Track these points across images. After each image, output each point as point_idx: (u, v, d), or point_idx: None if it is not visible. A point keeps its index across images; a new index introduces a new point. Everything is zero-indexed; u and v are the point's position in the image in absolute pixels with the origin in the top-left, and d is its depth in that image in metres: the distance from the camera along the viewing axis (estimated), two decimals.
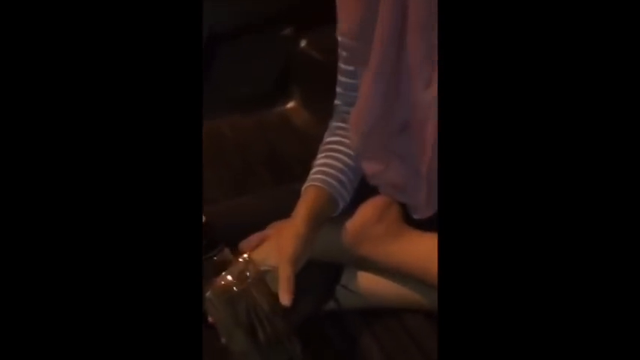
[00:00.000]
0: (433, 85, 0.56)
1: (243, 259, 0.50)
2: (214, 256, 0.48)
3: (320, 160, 0.63)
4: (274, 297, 0.50)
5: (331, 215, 0.60)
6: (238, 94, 0.93)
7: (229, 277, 0.48)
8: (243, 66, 0.90)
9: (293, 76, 1.02)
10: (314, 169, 0.62)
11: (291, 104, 0.98)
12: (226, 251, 0.50)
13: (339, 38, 0.63)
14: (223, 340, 0.51)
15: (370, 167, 0.62)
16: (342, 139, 0.64)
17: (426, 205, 0.59)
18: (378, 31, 0.57)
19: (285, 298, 0.49)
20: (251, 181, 0.65)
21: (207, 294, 0.47)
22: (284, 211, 0.58)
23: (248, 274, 0.50)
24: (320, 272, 0.60)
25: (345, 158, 0.62)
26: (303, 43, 1.04)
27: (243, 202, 0.67)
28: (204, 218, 0.46)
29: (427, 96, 0.56)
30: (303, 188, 0.61)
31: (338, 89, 0.66)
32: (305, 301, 0.56)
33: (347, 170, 0.62)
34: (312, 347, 0.55)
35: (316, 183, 0.59)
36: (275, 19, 1.01)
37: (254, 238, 0.57)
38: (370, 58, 0.59)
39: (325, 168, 0.61)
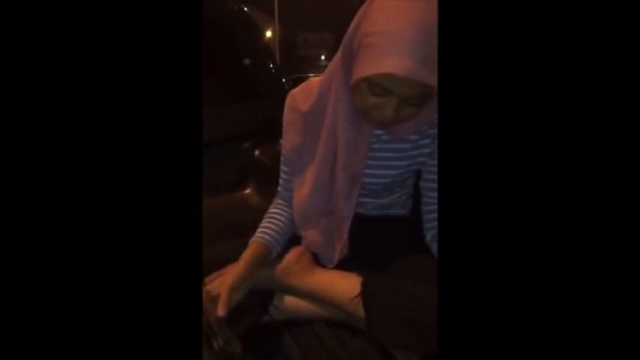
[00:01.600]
0: (352, 198, 0.68)
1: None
2: None
3: (264, 223, 0.78)
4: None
5: (268, 259, 0.73)
6: (212, 184, 1.10)
7: None
8: (217, 165, 1.12)
9: (249, 173, 1.23)
10: (259, 230, 0.77)
11: (247, 190, 1.19)
12: None
13: (282, 151, 0.79)
14: None
15: (303, 233, 0.76)
16: (280, 211, 0.80)
17: (331, 261, 0.73)
18: (316, 161, 0.70)
19: (220, 311, 0.58)
20: (217, 238, 0.79)
21: None
22: (238, 257, 0.70)
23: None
24: (258, 296, 0.72)
25: (280, 224, 0.77)
26: (257, 153, 1.26)
27: (211, 251, 0.69)
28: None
29: (346, 205, 0.69)
30: (249, 242, 0.74)
31: (280, 181, 0.82)
32: (248, 316, 0.69)
33: (281, 231, 0.76)
34: (253, 351, 0.64)
35: (257, 239, 0.74)
36: (239, 137, 1.26)
37: (214, 274, 0.69)
38: (308, 174, 0.72)
39: (266, 229, 0.76)
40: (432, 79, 0.52)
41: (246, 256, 0.70)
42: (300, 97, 0.73)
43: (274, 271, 0.73)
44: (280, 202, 0.83)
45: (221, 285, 0.64)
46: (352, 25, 0.59)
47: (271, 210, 0.82)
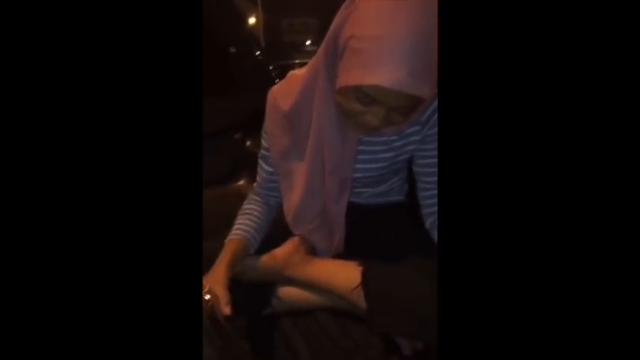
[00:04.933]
0: (342, 201, 0.68)
1: (205, 285, 0.60)
2: None
3: (239, 220, 0.76)
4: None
5: (244, 255, 0.71)
6: (206, 176, 1.14)
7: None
8: (211, 158, 1.16)
9: (242, 164, 1.25)
10: (234, 227, 0.74)
11: (241, 182, 1.22)
12: None
13: (265, 152, 0.76)
14: None
15: (297, 230, 0.75)
16: (255, 207, 0.79)
17: (329, 252, 0.73)
18: (305, 166, 0.67)
19: (226, 310, 0.58)
20: (214, 232, 0.76)
21: None
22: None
23: (208, 296, 0.59)
24: (260, 288, 0.73)
25: (257, 219, 0.76)
26: (248, 143, 1.29)
27: (210, 244, 0.69)
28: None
29: (336, 209, 0.68)
30: (226, 240, 0.72)
31: (257, 178, 0.81)
32: (251, 307, 0.70)
33: (257, 228, 0.75)
34: (257, 342, 0.65)
35: (235, 236, 0.72)
36: (230, 128, 1.28)
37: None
38: (297, 179, 0.70)
39: (242, 226, 0.75)
40: (423, 91, 0.49)
41: (224, 256, 0.68)
42: (282, 96, 0.70)
43: (273, 262, 0.73)
44: (255, 198, 0.82)
45: (214, 285, 0.62)
46: (336, 21, 0.54)
47: (246, 206, 0.80)
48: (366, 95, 0.52)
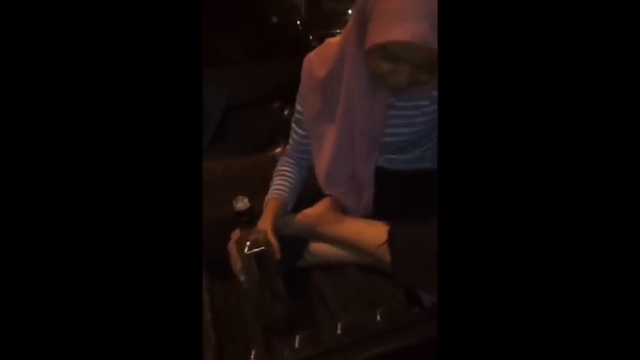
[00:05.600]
0: (370, 161, 0.71)
1: (260, 231, 0.63)
2: (250, 228, 0.61)
3: (276, 180, 0.82)
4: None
5: (284, 212, 0.76)
6: (246, 144, 1.18)
7: (255, 236, 0.61)
8: (250, 126, 1.19)
9: (280, 132, 1.29)
10: (272, 187, 0.80)
11: (278, 150, 1.27)
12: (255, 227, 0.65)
13: (297, 115, 0.80)
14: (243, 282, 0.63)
15: (328, 191, 0.79)
16: (289, 168, 0.84)
17: (358, 213, 0.77)
18: (335, 127, 0.71)
19: (278, 254, 0.63)
20: (254, 195, 0.86)
21: (245, 250, 0.59)
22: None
23: (263, 236, 0.62)
24: (294, 243, 0.78)
25: (292, 180, 0.81)
26: (286, 112, 1.34)
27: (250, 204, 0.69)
28: (248, 205, 0.57)
29: (365, 169, 0.72)
30: (266, 199, 0.77)
31: (290, 140, 0.85)
32: (286, 260, 0.71)
33: (292, 187, 0.81)
34: (290, 291, 0.66)
35: (273, 196, 0.78)
36: (269, 97, 1.32)
37: (242, 233, 0.64)
38: (327, 140, 0.73)
39: (279, 186, 0.80)
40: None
41: (268, 213, 0.74)
42: (317, 62, 0.74)
43: (307, 221, 0.78)
44: (289, 160, 0.86)
45: (265, 235, 0.65)
46: None
47: (281, 168, 0.85)
48: (391, 54, 0.55)
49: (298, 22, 1.54)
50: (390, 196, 0.79)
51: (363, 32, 0.60)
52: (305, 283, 0.77)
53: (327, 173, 0.76)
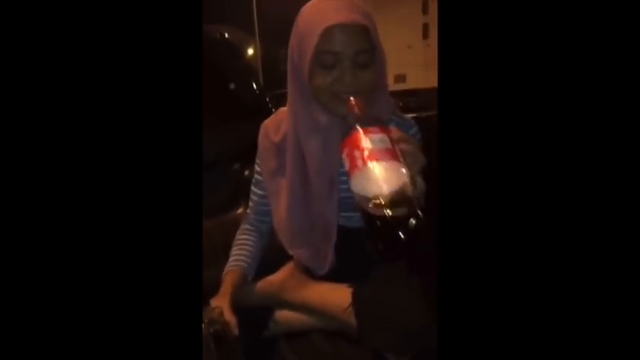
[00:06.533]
0: (333, 199, 0.71)
1: (215, 309, 0.65)
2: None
3: (235, 251, 0.82)
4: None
5: (244, 283, 0.77)
6: (207, 205, 1.18)
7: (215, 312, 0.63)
8: (210, 187, 1.21)
9: (240, 193, 1.28)
10: (231, 258, 0.81)
11: (239, 210, 1.25)
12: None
13: (257, 175, 0.83)
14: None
15: (291, 252, 0.78)
16: (249, 237, 0.84)
17: (323, 269, 0.75)
18: (287, 173, 0.73)
19: (235, 332, 0.65)
20: (213, 260, 0.83)
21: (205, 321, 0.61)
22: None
23: (219, 315, 0.64)
24: (259, 313, 0.77)
25: (251, 249, 0.82)
26: (246, 173, 1.34)
27: (210, 271, 0.71)
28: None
29: (329, 206, 0.72)
30: (224, 272, 0.78)
31: (250, 203, 0.86)
32: (250, 330, 0.73)
33: (252, 256, 0.82)
34: None
35: (232, 268, 0.79)
36: (229, 159, 1.35)
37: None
38: (282, 192, 0.75)
39: (238, 256, 0.81)
40: (365, 20, 0.61)
41: (226, 287, 0.75)
42: (272, 128, 0.79)
43: (270, 288, 0.78)
44: (248, 227, 0.87)
45: (222, 312, 0.67)
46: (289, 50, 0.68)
47: (240, 237, 0.86)
48: (326, 54, 0.61)
49: (255, 87, 1.60)
50: (351, 255, 0.79)
51: (299, 75, 0.66)
52: (271, 354, 0.76)
53: (287, 227, 0.76)
